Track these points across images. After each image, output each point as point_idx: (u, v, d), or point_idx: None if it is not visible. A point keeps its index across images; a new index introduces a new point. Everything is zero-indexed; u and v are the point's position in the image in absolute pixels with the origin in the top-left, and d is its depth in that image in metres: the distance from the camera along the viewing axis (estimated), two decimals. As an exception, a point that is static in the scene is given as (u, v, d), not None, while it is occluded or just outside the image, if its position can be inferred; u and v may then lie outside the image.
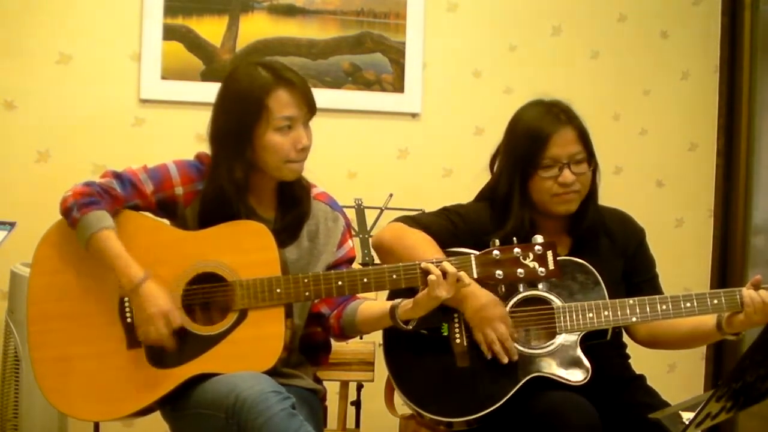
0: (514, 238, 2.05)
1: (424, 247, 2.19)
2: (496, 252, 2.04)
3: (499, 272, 2.03)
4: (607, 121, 3.80)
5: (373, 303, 2.21)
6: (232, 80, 2.15)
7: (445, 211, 2.33)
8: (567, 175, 2.19)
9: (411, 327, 2.09)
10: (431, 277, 2.00)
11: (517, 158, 2.24)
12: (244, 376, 1.91)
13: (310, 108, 2.13)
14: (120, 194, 2.09)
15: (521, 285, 2.15)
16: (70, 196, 2.05)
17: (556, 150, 2.20)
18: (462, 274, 2.01)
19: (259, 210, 2.17)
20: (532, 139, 2.21)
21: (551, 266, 2.03)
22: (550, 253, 2.03)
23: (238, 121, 2.09)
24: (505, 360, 2.13)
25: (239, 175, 2.10)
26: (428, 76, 3.62)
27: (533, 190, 2.24)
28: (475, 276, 2.03)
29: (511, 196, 2.24)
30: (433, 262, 2.02)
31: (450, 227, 2.27)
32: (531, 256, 2.03)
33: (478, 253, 2.06)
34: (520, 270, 2.03)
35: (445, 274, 2.00)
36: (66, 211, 2.05)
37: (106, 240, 2.02)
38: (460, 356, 2.17)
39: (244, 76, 2.13)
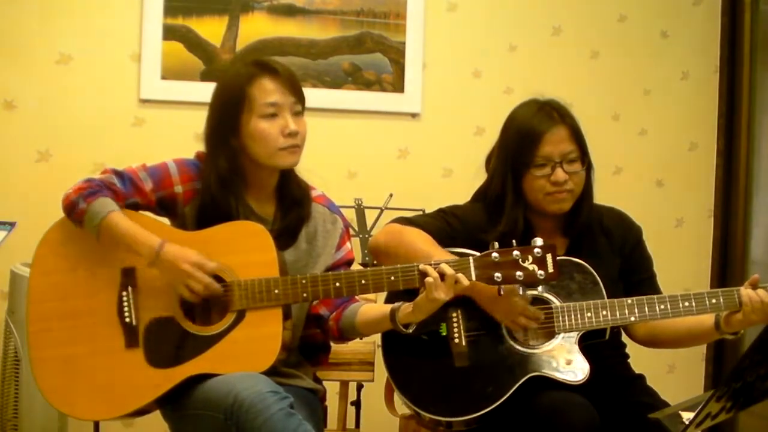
0: (513, 241, 2.05)
1: (421, 243, 2.19)
2: (495, 254, 2.02)
3: (497, 275, 2.02)
4: (607, 121, 3.80)
5: (373, 306, 2.21)
6: (221, 79, 2.18)
7: (441, 212, 2.33)
8: (559, 174, 2.19)
9: (411, 330, 2.09)
10: (428, 279, 1.99)
11: (510, 157, 2.24)
12: (242, 377, 1.91)
13: (297, 97, 2.13)
14: (120, 190, 2.09)
15: (520, 288, 2.14)
16: (71, 193, 2.06)
17: (548, 148, 2.20)
18: (460, 276, 2.00)
19: (256, 208, 2.17)
20: (525, 138, 2.21)
21: (551, 269, 2.02)
22: (549, 256, 2.02)
23: (222, 113, 2.12)
24: (536, 325, 2.14)
25: (223, 164, 2.10)
26: (428, 76, 3.62)
27: (527, 189, 2.23)
28: (474, 278, 2.02)
29: (505, 195, 2.24)
30: (431, 264, 2.02)
31: (446, 228, 2.27)
32: (530, 258, 2.02)
33: (477, 255, 2.05)
34: (519, 273, 2.02)
35: (443, 276, 2.00)
36: (70, 205, 2.05)
37: (117, 220, 2.03)
38: (458, 356, 2.17)
39: (231, 73, 2.17)
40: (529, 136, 2.21)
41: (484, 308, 2.16)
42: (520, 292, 2.07)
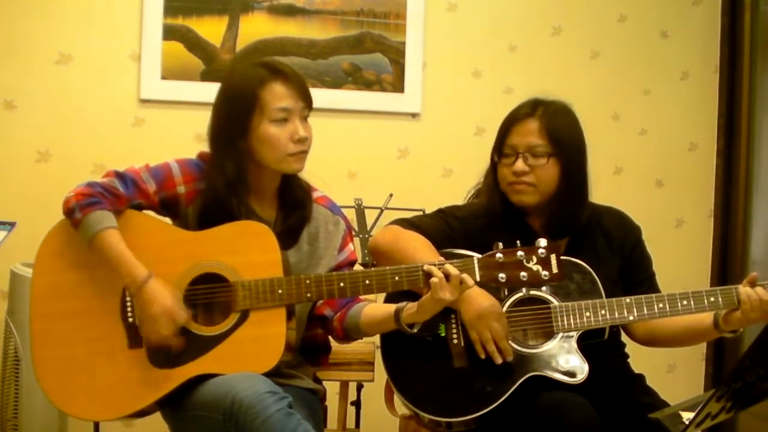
0: (518, 241, 2.04)
1: (420, 249, 2.19)
2: (499, 255, 2.02)
3: (502, 275, 2.01)
4: (607, 121, 3.80)
5: (377, 306, 2.21)
6: (229, 79, 2.17)
7: (440, 212, 2.34)
8: (518, 164, 2.22)
9: (415, 330, 2.09)
10: (434, 279, 1.99)
11: (493, 146, 2.30)
12: (240, 378, 1.91)
13: (306, 102, 2.13)
14: (122, 193, 2.08)
15: (524, 288, 2.14)
16: (72, 197, 2.05)
17: (515, 139, 2.24)
18: (465, 276, 2.00)
19: (258, 210, 2.16)
20: (501, 128, 2.29)
21: (554, 270, 2.01)
22: (553, 257, 2.01)
23: (232, 115, 2.10)
24: (499, 360, 2.12)
25: (230, 168, 2.09)
26: (428, 76, 3.62)
27: (498, 178, 2.28)
28: (478, 279, 2.02)
29: (486, 178, 2.30)
30: (435, 265, 2.02)
31: (446, 229, 2.28)
32: (534, 259, 2.01)
33: (480, 255, 2.05)
34: (523, 273, 2.01)
35: (448, 276, 1.99)
36: (68, 212, 2.05)
37: (109, 240, 2.01)
38: (457, 356, 2.17)
39: (239, 74, 2.15)
40: (503, 126, 2.28)
41: (464, 322, 2.16)
42: (524, 291, 2.07)
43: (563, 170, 2.25)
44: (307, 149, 2.14)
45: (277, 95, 2.09)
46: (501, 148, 2.26)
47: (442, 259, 2.12)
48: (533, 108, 2.26)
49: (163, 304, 1.99)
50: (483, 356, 2.13)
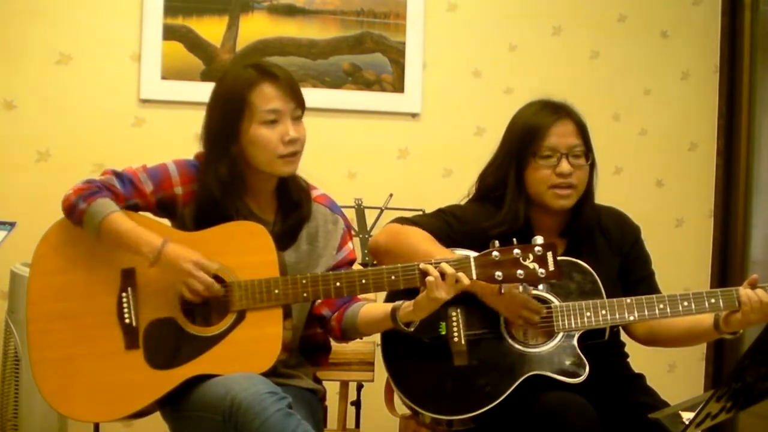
0: (514, 239, 2.05)
1: (421, 242, 2.19)
2: (495, 253, 2.02)
3: (498, 273, 2.02)
4: (607, 121, 3.80)
5: (375, 305, 2.21)
6: (221, 82, 2.17)
7: (440, 212, 2.33)
8: (564, 165, 2.20)
9: (412, 329, 2.09)
10: (429, 278, 1.99)
11: (514, 150, 2.25)
12: (239, 378, 1.91)
13: (297, 103, 2.13)
14: (120, 191, 2.09)
15: (520, 286, 2.14)
16: (71, 194, 2.06)
17: (554, 140, 2.21)
18: (461, 275, 2.00)
19: (257, 211, 2.16)
20: (531, 130, 2.23)
21: (551, 267, 2.01)
22: (550, 255, 2.01)
23: (223, 119, 2.10)
24: (537, 318, 2.14)
25: (223, 172, 2.09)
26: (428, 76, 3.62)
27: (529, 182, 2.24)
28: (474, 277, 2.02)
29: (506, 188, 2.25)
30: (431, 263, 2.02)
31: (445, 228, 2.27)
32: (531, 257, 2.02)
33: (477, 254, 2.05)
34: (519, 271, 2.01)
35: (443, 275, 2.00)
36: (70, 207, 2.05)
37: (117, 220, 2.03)
38: (458, 355, 2.17)
39: (230, 77, 2.15)
40: (535, 128, 2.23)
41: (487, 303, 2.16)
42: (520, 290, 2.07)
43: (591, 170, 2.26)
44: (299, 150, 2.13)
45: (266, 97, 2.09)
46: (537, 151, 2.21)
47: (445, 250, 2.12)
48: (555, 109, 2.25)
49: (190, 258, 2.00)
50: (524, 322, 2.15)
